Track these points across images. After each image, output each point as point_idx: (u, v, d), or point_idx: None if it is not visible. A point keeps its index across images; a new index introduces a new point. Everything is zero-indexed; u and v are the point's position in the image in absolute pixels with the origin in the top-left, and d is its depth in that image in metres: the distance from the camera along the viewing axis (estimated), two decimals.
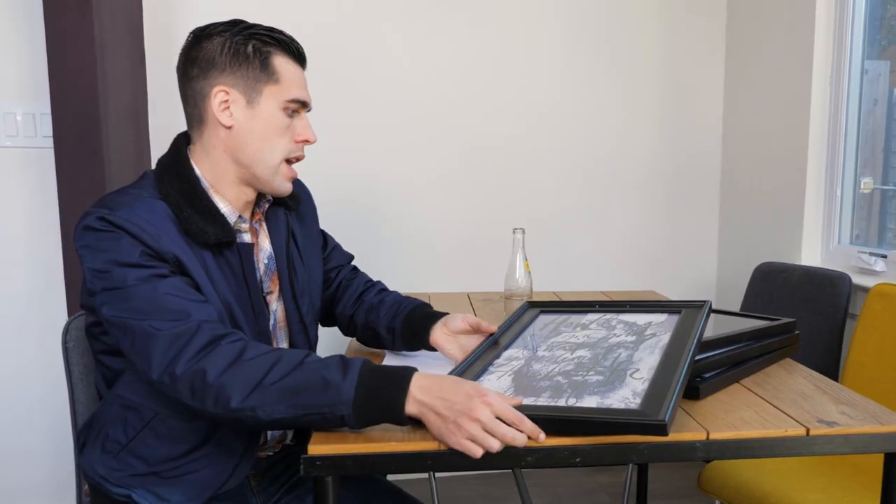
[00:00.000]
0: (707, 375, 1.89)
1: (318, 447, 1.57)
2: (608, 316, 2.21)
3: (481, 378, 1.86)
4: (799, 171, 3.61)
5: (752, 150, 4.05)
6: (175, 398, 1.68)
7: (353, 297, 2.34)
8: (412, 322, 2.20)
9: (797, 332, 2.25)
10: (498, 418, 1.53)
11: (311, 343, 2.13)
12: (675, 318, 2.09)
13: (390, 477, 2.43)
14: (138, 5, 3.50)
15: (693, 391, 1.81)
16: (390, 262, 4.00)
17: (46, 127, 3.41)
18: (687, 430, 1.63)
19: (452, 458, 1.57)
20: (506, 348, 2.04)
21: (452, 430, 1.53)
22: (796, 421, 1.67)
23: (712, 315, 2.44)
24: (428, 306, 2.25)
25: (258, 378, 1.61)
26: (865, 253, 3.30)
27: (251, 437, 1.94)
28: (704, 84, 4.32)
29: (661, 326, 2.06)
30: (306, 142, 1.98)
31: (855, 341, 2.87)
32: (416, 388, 1.58)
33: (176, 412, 1.86)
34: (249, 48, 1.89)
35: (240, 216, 1.97)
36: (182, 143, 1.97)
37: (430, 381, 1.59)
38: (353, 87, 3.98)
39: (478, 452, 1.50)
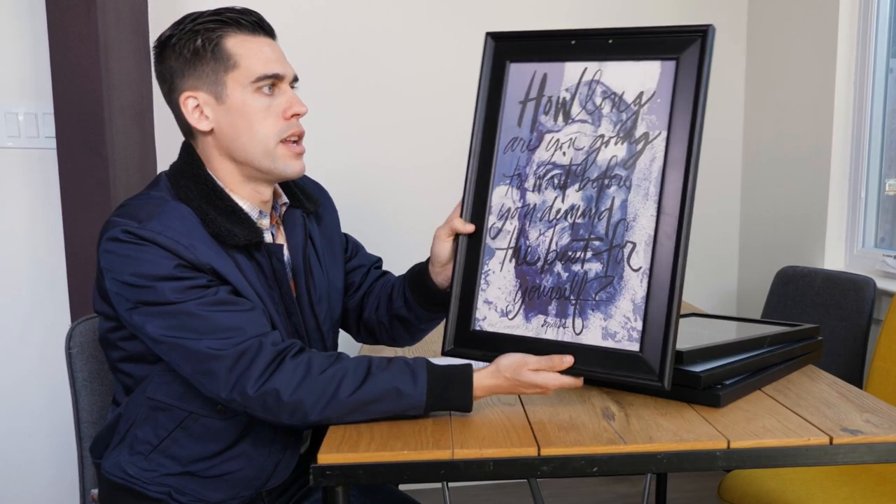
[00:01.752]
0: (728, 383, 1.89)
1: (329, 456, 1.58)
2: (590, 81, 1.84)
3: (485, 268, 1.89)
4: (822, 173, 3.60)
5: (774, 152, 4.05)
6: (244, 412, 1.77)
7: (379, 297, 2.24)
8: (413, 277, 2.13)
9: (820, 338, 2.25)
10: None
11: (328, 348, 2.10)
12: (669, 77, 1.78)
13: (402, 486, 2.43)
14: (143, 2, 3.51)
15: (714, 399, 1.82)
16: (398, 260, 3.97)
17: (49, 127, 3.41)
18: (707, 438, 1.63)
19: (466, 468, 1.58)
20: (495, 186, 1.90)
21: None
22: (819, 429, 1.67)
23: (734, 322, 2.43)
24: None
25: (331, 392, 1.71)
26: (890, 256, 3.30)
27: (290, 434, 1.96)
28: (725, 84, 4.31)
29: (655, 108, 1.77)
30: (296, 115, 1.90)
31: (880, 347, 2.87)
32: (479, 388, 1.77)
33: (211, 411, 1.87)
34: (199, 42, 1.82)
35: (260, 211, 1.95)
36: (192, 148, 1.94)
37: (489, 380, 1.77)
38: (361, 82, 4.00)
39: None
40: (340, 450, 1.59)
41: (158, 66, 1.89)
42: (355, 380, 1.72)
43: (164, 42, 1.86)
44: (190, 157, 1.92)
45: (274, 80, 1.86)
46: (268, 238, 1.96)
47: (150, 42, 3.53)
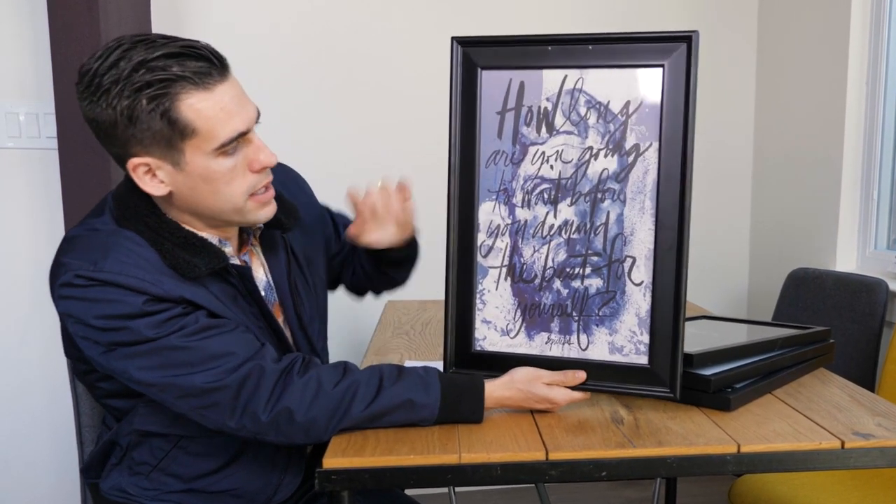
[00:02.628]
0: (738, 386, 1.89)
1: (334, 460, 1.58)
2: (572, 90, 1.80)
3: (480, 288, 1.90)
4: (833, 174, 3.60)
5: (785, 152, 4.04)
6: (254, 439, 1.72)
7: (353, 266, 2.32)
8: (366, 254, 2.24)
9: (832, 340, 2.25)
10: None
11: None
12: (656, 84, 1.74)
13: (408, 490, 2.44)
14: (146, 1, 3.51)
15: (724, 402, 1.82)
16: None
17: (50, 127, 3.41)
18: (717, 442, 1.63)
19: (473, 472, 1.58)
20: (480, 202, 1.88)
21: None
22: (831, 433, 1.67)
23: (745, 325, 2.43)
24: None
25: (344, 408, 1.69)
26: None
27: (292, 447, 1.94)
28: (735, 83, 4.30)
29: (643, 117, 1.76)
30: (264, 167, 1.75)
31: (892, 350, 2.86)
32: (490, 399, 1.78)
33: (203, 434, 1.83)
34: (144, 103, 1.59)
35: (220, 239, 1.84)
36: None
37: (501, 391, 1.79)
38: (362, 81, 3.99)
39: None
40: (346, 454, 1.59)
41: (88, 109, 1.64)
42: (368, 393, 1.70)
43: (97, 87, 1.61)
44: (135, 191, 1.76)
45: (239, 139, 1.69)
46: (236, 262, 1.85)
47: None
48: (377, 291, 2.39)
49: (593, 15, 4.11)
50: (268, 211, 1.82)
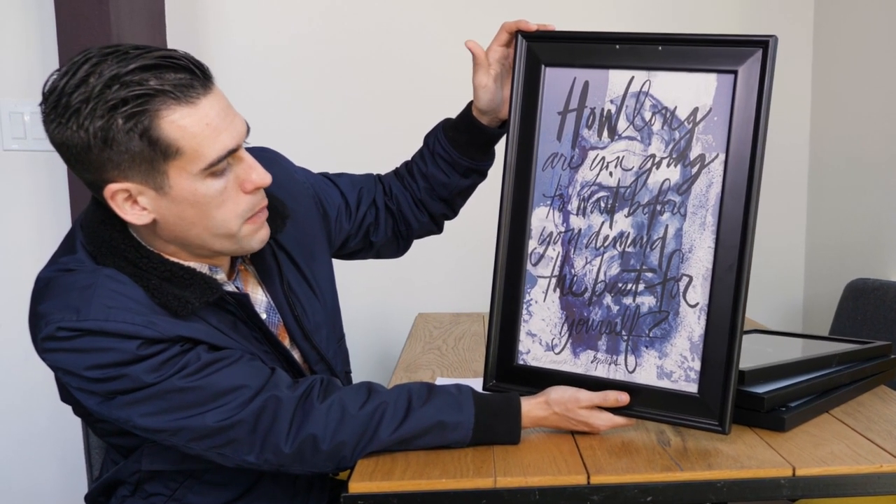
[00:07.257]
0: (793, 405, 1.89)
1: (360, 484, 1.59)
2: (638, 93, 1.80)
3: (527, 298, 1.90)
4: (895, 178, 3.58)
5: (843, 154, 4.01)
6: (277, 471, 1.73)
7: (398, 193, 2.28)
8: (448, 130, 2.17)
9: (893, 356, 2.25)
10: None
11: (337, 373, 2.04)
12: (727, 92, 1.72)
13: None
14: None
15: (778, 422, 1.82)
16: (428, 271, 4.07)
17: None
18: (771, 465, 1.64)
19: (510, 497, 1.59)
20: (534, 207, 1.89)
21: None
22: (892, 455, 1.67)
23: (800, 339, 2.43)
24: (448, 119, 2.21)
25: (371, 432, 1.69)
26: None
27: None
28: (790, 81, 4.25)
29: (711, 126, 1.74)
30: (258, 188, 1.70)
31: None
32: (525, 419, 1.79)
33: (215, 466, 1.78)
34: (120, 122, 1.52)
35: (210, 267, 1.78)
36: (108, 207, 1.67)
37: (537, 411, 1.80)
38: (393, 84, 3.99)
39: None
40: (373, 478, 1.61)
41: (56, 132, 1.57)
42: (395, 416, 1.70)
43: (66, 107, 1.53)
44: (107, 221, 1.71)
45: (228, 157, 1.63)
46: (231, 289, 1.82)
47: (166, 36, 3.55)
48: (454, 205, 2.30)
49: (639, 10, 4.10)
50: (261, 235, 1.76)
